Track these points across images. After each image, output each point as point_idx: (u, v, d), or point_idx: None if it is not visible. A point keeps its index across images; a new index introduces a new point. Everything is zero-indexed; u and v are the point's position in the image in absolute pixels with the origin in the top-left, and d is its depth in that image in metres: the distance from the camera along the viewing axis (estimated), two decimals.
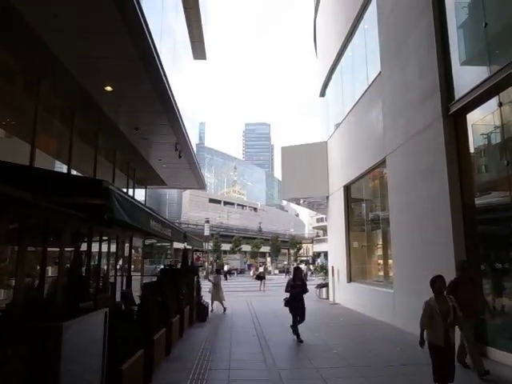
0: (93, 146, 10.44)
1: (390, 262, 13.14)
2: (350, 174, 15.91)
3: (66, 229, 8.58)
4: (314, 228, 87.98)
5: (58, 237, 8.51)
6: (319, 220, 78.95)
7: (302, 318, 9.94)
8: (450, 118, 8.88)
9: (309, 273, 50.93)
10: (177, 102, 9.96)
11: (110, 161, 11.87)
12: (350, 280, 16.26)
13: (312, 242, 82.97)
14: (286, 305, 10.10)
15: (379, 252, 13.88)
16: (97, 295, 9.06)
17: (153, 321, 6.62)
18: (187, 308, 10.86)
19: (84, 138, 10.20)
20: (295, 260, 79.59)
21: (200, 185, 18.53)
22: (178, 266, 13.38)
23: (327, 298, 19.17)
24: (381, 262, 13.83)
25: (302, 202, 21.53)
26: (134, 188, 14.66)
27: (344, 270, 16.60)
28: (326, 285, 20.02)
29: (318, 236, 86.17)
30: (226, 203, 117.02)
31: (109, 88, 7.99)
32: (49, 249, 8.07)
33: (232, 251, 72.01)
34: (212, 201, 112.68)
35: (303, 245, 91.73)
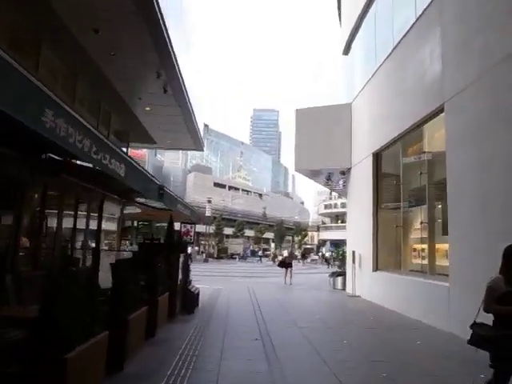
0: (34, 62, 7.20)
1: (439, 246, 10.04)
2: (383, 137, 12.72)
3: None
4: (320, 215, 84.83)
5: None
6: (327, 206, 75.79)
7: None
8: None
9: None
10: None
11: (68, 94, 8.67)
12: (376, 268, 13.16)
13: (318, 230, 79.99)
14: (482, 342, 3.99)
15: (421, 234, 10.74)
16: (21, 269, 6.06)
17: (73, 322, 3.57)
18: (164, 296, 7.82)
19: (16, 45, 6.91)
20: (299, 247, 76.69)
21: (196, 144, 15.21)
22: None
23: (343, 289, 16.15)
24: (423, 246, 10.68)
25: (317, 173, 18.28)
26: None
27: (369, 257, 13.49)
28: (342, 273, 16.97)
29: (324, 223, 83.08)
30: (230, 188, 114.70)
31: None
32: None
33: (235, 235, 69.23)
34: (217, 185, 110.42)
35: (308, 232, 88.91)
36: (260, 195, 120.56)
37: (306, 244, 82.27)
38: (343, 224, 70.70)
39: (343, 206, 69.34)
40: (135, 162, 5.05)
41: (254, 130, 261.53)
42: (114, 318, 4.77)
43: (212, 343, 6.78)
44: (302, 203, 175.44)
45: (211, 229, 60.12)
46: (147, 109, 10.94)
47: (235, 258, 54.73)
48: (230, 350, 6.29)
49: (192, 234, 11.14)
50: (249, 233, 77.12)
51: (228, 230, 69.79)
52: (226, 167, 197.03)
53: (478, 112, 7.80)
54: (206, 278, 20.65)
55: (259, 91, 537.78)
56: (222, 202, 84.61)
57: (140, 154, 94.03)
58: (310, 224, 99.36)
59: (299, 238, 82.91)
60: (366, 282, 13.72)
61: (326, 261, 44.74)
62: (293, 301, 13.23)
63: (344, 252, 22.05)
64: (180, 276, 9.67)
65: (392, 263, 12.70)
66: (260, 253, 56.50)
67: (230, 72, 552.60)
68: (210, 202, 47.75)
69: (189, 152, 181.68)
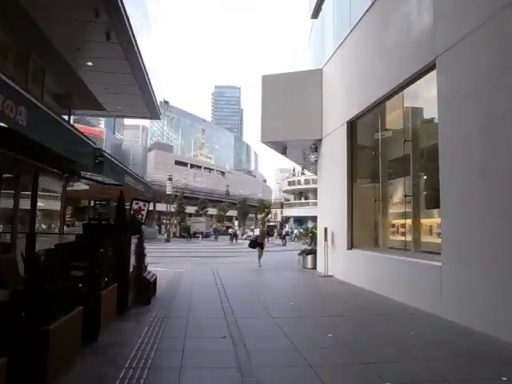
0: None
1: (424, 221, 9.14)
2: (360, 103, 11.56)
3: None
4: (284, 192, 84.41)
5: None
6: (291, 183, 75.22)
7: None
8: None
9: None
10: None
11: None
12: (351, 246, 12.20)
13: (281, 207, 79.57)
14: None
15: (405, 208, 9.75)
16: None
17: None
18: (112, 288, 6.41)
19: None
20: (262, 224, 76.12)
21: (152, 111, 13.27)
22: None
23: (314, 268, 15.23)
24: (405, 222, 9.73)
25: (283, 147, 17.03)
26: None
27: (343, 234, 12.51)
28: (312, 251, 16.01)
29: (288, 200, 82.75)
30: (192, 166, 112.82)
31: None
32: None
33: (197, 214, 67.65)
34: (178, 163, 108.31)
35: (271, 210, 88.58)
36: (222, 173, 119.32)
37: (269, 221, 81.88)
38: (307, 201, 70.73)
39: (307, 182, 69.13)
40: (52, 113, 3.55)
41: (216, 107, 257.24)
42: (25, 332, 3.37)
43: (170, 345, 5.48)
44: (265, 181, 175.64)
45: (173, 207, 58.27)
46: (89, 64, 9.09)
47: (198, 237, 53.31)
48: (192, 355, 5.02)
49: (144, 212, 9.62)
50: (212, 211, 75.73)
51: (190, 209, 68.14)
52: (187, 145, 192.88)
53: (479, 66, 6.71)
54: (168, 260, 19.39)
55: (220, 67, 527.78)
56: (184, 180, 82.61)
57: (97, 131, 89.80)
58: (272, 201, 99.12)
59: (262, 215, 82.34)
60: (339, 261, 12.78)
61: (283, 238, 43.16)
62: (263, 284, 12.10)
63: (312, 228, 21.19)
64: (133, 261, 8.24)
65: (369, 240, 11.78)
66: (230, 230, 54.33)
67: (191, 47, 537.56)
68: (170, 179, 45.70)
69: (149, 129, 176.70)
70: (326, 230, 13.70)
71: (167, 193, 45.38)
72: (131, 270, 7.94)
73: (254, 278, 13.41)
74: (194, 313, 7.46)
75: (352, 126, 12.61)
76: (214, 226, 65.72)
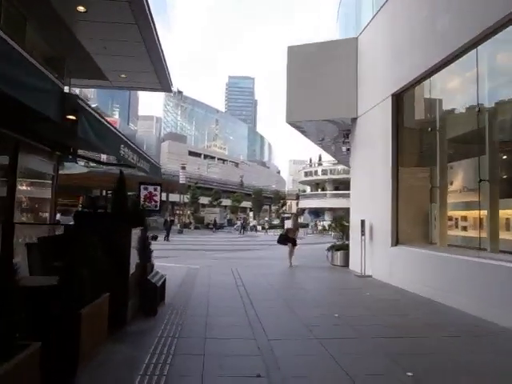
0: None
1: (503, 213, 7.18)
2: (411, 71, 9.57)
3: None
4: (300, 182, 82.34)
5: None
6: (308, 174, 73.06)
7: None
8: None
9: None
10: None
11: None
12: (396, 242, 10.27)
13: (297, 198, 77.51)
14: None
15: (478, 197, 7.74)
16: None
17: None
18: (101, 301, 4.60)
19: None
20: (278, 216, 74.11)
21: (162, 82, 11.19)
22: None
23: (345, 266, 13.35)
24: (481, 213, 7.71)
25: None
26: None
27: (385, 228, 10.56)
28: (343, 247, 14.11)
29: (304, 192, 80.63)
30: (206, 156, 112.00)
31: None
32: None
33: (211, 205, 66.06)
34: (192, 153, 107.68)
35: (286, 201, 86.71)
36: (236, 164, 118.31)
37: (284, 213, 79.97)
38: (324, 192, 68.54)
39: (324, 173, 67.02)
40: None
41: (230, 98, 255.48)
42: None
43: None
44: (279, 172, 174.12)
45: (186, 198, 56.79)
46: (81, 9, 7.19)
47: (211, 228, 50.95)
48: None
49: (158, 198, 7.86)
50: (225, 202, 74.11)
51: (204, 200, 66.62)
52: (201, 135, 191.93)
53: None
54: (180, 253, 17.83)
55: (235, 57, 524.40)
56: (197, 170, 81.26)
57: (111, 121, 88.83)
58: (286, 193, 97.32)
59: (277, 207, 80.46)
60: (380, 260, 10.88)
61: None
62: (292, 287, 10.21)
63: (340, 220, 19.30)
64: (135, 261, 6.46)
65: (419, 236, 9.89)
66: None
67: (206, 37, 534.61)
68: (183, 168, 44.10)
69: (163, 120, 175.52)
70: (363, 222, 11.76)
71: (180, 182, 43.77)
72: (132, 271, 6.17)
73: (280, 279, 11.56)
74: (213, 330, 5.65)
75: (398, 99, 10.61)
76: (228, 217, 64.49)
